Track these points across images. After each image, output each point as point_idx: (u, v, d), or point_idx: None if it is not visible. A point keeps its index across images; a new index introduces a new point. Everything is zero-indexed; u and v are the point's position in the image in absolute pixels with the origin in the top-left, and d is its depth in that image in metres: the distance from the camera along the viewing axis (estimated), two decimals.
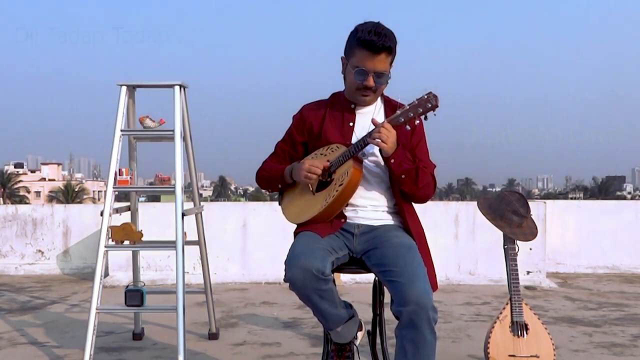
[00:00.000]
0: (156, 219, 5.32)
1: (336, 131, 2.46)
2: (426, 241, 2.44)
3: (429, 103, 2.24)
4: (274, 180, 2.54)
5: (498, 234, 3.10)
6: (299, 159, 2.54)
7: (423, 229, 2.47)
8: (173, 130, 3.34)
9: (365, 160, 2.41)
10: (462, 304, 4.87)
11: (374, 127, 2.35)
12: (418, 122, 2.32)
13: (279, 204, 2.62)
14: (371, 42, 2.30)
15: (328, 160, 2.40)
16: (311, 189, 2.43)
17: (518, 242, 3.05)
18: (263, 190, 2.82)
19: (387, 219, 2.44)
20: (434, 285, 2.34)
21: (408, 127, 2.29)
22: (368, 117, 2.46)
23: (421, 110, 2.25)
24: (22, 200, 68.36)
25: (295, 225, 2.50)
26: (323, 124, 2.48)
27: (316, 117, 2.51)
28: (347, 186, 2.32)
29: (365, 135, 2.32)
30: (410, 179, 2.36)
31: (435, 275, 2.38)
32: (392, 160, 2.33)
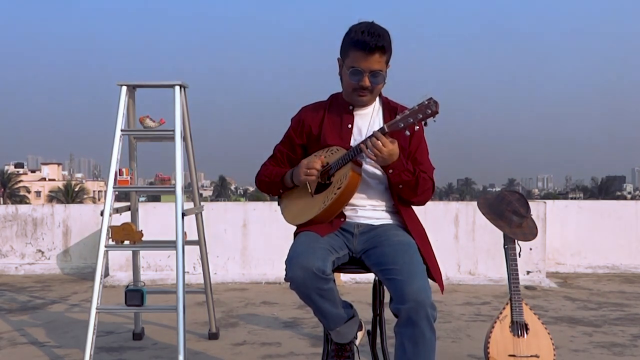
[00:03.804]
0: (156, 219, 5.32)
1: (335, 133, 2.45)
2: (428, 240, 2.44)
3: (429, 109, 2.22)
4: (274, 185, 2.53)
5: (498, 234, 3.10)
6: (298, 161, 2.53)
7: (424, 228, 2.47)
8: (173, 130, 3.34)
9: (365, 161, 2.40)
10: (462, 304, 4.87)
11: (373, 129, 2.35)
12: (418, 127, 2.31)
13: (278, 204, 2.62)
14: (364, 42, 2.30)
15: (327, 163, 2.40)
16: (310, 190, 2.43)
17: (518, 242, 3.05)
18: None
19: (387, 218, 2.44)
20: (440, 285, 2.36)
21: (407, 133, 2.29)
22: (366, 118, 2.46)
23: (421, 116, 2.23)
24: (22, 200, 68.44)
25: (295, 226, 2.50)
26: (322, 126, 2.48)
27: (315, 119, 2.51)
28: (345, 189, 2.32)
29: (362, 141, 2.31)
30: (408, 188, 2.37)
31: (440, 275, 2.38)
32: (391, 171, 2.33)
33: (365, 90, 2.39)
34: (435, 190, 2.52)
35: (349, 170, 2.33)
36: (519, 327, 2.95)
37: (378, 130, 2.28)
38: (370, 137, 2.27)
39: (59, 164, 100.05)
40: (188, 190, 3.71)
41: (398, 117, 2.27)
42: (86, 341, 3.13)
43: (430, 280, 2.30)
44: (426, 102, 2.23)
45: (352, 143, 2.41)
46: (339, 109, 2.49)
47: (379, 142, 2.24)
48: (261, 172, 2.58)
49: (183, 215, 3.26)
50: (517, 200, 3.09)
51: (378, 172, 2.41)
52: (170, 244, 3.33)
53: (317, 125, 2.49)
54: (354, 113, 2.47)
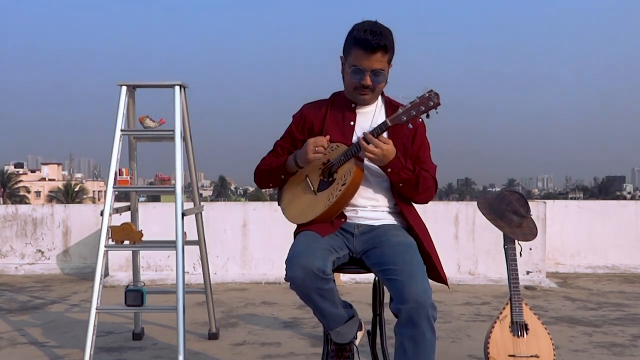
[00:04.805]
0: (156, 219, 5.32)
1: (337, 130, 2.45)
2: (431, 238, 2.44)
3: (430, 101, 2.23)
4: (276, 171, 2.50)
5: (498, 234, 3.10)
6: None
7: (426, 226, 2.48)
8: (173, 130, 3.35)
9: (365, 160, 2.40)
10: (462, 304, 4.87)
11: (375, 126, 2.35)
12: (421, 120, 2.31)
13: (279, 204, 2.60)
14: (366, 41, 2.31)
15: (329, 160, 2.40)
16: (312, 188, 2.42)
17: (519, 242, 3.05)
18: (263, 190, 2.81)
19: (387, 219, 2.44)
20: (444, 281, 2.39)
21: (410, 126, 2.29)
22: (368, 116, 2.46)
23: (423, 108, 2.24)
24: (22, 200, 68.41)
25: (295, 225, 2.50)
26: (324, 123, 2.48)
27: (317, 116, 2.51)
28: (349, 186, 2.32)
29: (363, 137, 2.31)
30: (409, 186, 2.37)
31: (443, 271, 2.39)
32: (389, 170, 2.34)
33: (367, 89, 2.39)
34: (438, 188, 2.52)
35: (353, 166, 2.32)
36: (519, 327, 2.95)
37: (381, 124, 2.29)
38: (363, 138, 2.28)
39: (58, 164, 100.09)
40: (188, 190, 3.71)
41: (400, 110, 2.28)
42: (86, 341, 3.13)
43: (432, 281, 2.31)
44: (427, 94, 2.24)
45: (354, 140, 2.41)
46: (341, 107, 2.49)
47: (370, 144, 2.25)
48: (261, 163, 2.57)
49: (183, 215, 3.26)
50: (517, 200, 3.09)
51: (380, 170, 2.41)
52: (170, 244, 3.33)
53: (319, 122, 2.49)
54: (356, 111, 2.48)
